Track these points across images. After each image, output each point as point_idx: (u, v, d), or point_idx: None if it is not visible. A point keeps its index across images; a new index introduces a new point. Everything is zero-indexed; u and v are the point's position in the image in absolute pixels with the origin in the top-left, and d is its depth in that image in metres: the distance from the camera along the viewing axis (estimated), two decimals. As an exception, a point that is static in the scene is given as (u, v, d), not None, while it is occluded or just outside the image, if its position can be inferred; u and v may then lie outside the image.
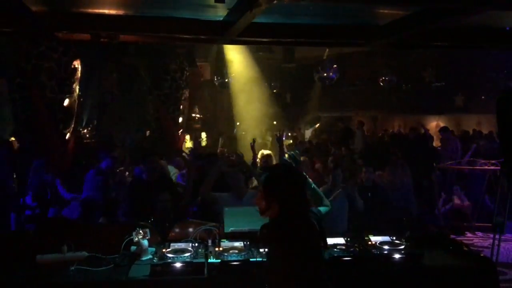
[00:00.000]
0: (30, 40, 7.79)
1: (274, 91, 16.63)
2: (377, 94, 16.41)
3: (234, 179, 5.13)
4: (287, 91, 18.04)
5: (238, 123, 18.59)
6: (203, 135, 15.18)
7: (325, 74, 10.46)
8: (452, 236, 5.50)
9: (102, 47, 9.25)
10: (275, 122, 19.27)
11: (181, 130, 13.72)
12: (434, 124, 16.76)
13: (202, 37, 4.95)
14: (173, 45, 11.89)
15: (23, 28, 4.51)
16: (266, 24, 4.68)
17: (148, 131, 14.91)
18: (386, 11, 4.52)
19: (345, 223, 5.30)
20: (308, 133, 18.22)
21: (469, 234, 6.83)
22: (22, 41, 7.90)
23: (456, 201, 6.92)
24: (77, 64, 8.92)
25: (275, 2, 3.37)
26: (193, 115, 18.35)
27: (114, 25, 4.61)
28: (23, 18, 4.04)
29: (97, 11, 4.54)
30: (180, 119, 13.54)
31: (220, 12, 4.46)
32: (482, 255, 4.25)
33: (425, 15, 4.42)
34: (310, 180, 3.27)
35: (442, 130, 11.36)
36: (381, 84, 13.34)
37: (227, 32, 4.61)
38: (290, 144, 13.30)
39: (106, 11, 4.58)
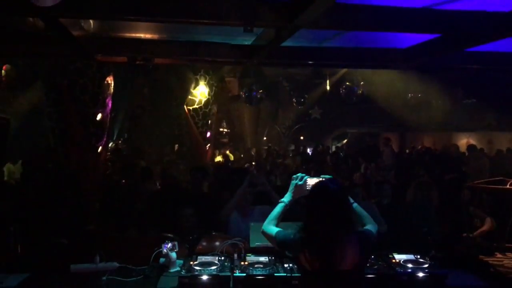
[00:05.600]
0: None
1: (300, 107, 16.67)
2: (406, 111, 16.27)
3: (244, 199, 5.17)
4: (315, 107, 18.09)
5: (265, 138, 18.77)
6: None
7: (352, 90, 10.48)
8: (480, 256, 5.42)
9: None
10: (302, 138, 19.36)
11: (209, 145, 13.95)
12: (464, 141, 16.49)
13: (232, 60, 5.12)
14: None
15: (63, 52, 4.79)
16: (292, 47, 4.82)
17: (177, 145, 15.18)
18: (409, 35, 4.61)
19: None
20: (334, 147, 18.17)
21: (499, 255, 6.65)
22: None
23: (487, 221, 6.80)
24: (110, 80, 9.24)
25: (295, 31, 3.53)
26: (221, 129, 18.61)
27: (149, 48, 4.83)
28: (64, 42, 4.28)
29: (133, 35, 4.78)
30: (208, 134, 13.77)
31: (248, 38, 4.64)
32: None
33: (448, 40, 4.47)
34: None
35: (470, 148, 11.23)
36: (410, 100, 13.26)
37: (255, 55, 4.78)
38: None
39: (142, 35, 4.81)
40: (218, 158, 14.12)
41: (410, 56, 5.05)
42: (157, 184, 8.29)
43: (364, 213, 3.07)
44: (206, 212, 5.01)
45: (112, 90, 9.43)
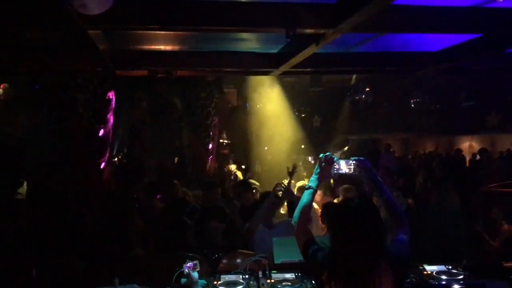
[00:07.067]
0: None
1: (303, 115, 16.61)
2: (407, 116, 16.21)
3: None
4: (315, 115, 18.02)
5: (266, 148, 18.62)
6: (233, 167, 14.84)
7: (357, 97, 10.40)
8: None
9: (131, 76, 9.42)
10: (303, 146, 19.23)
11: (211, 156, 13.84)
12: (467, 144, 16.42)
13: (258, 70, 4.99)
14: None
15: (80, 67, 4.70)
16: (319, 54, 4.68)
17: (177, 158, 15.03)
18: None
19: None
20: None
21: (517, 261, 6.49)
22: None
23: (505, 226, 6.69)
24: (111, 95, 9.13)
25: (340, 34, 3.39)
26: (221, 140, 18.47)
27: (170, 61, 4.70)
28: (83, 57, 4.16)
29: (153, 47, 4.64)
30: (210, 145, 13.67)
31: (275, 45, 4.53)
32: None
33: (486, 41, 4.36)
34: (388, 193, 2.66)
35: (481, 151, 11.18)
36: (412, 105, 13.20)
37: (283, 64, 4.66)
38: None
39: (162, 48, 4.67)
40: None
41: (441, 60, 4.95)
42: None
43: (397, 209, 2.62)
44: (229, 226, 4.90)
45: (113, 105, 9.33)
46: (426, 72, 5.58)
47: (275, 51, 4.73)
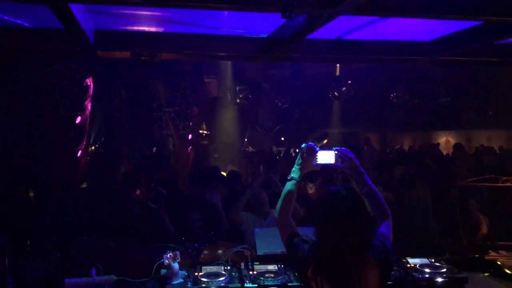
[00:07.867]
0: (44, 58, 7.83)
1: (285, 105, 16.59)
2: (386, 110, 16.35)
3: (257, 198, 5.06)
4: (296, 107, 18.01)
5: (246, 140, 18.57)
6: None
7: (339, 91, 10.42)
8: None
9: (110, 64, 9.21)
10: (282, 138, 19.25)
11: (190, 147, 13.74)
12: (443, 140, 16.70)
13: (247, 55, 4.84)
14: (182, 61, 11.87)
15: (60, 48, 4.52)
16: (311, 40, 4.52)
17: (155, 148, 14.85)
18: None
19: None
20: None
21: (492, 253, 6.61)
22: (35, 59, 7.92)
23: (483, 222, 6.80)
24: (89, 81, 8.95)
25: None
26: (201, 131, 18.33)
27: (154, 43, 4.52)
28: (71, 36, 3.93)
29: (136, 28, 4.46)
30: (190, 136, 13.57)
31: (265, 28, 4.38)
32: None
33: (482, 31, 4.29)
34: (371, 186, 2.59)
35: (456, 147, 11.32)
36: (394, 100, 13.29)
37: (273, 49, 4.51)
38: None
39: (146, 29, 4.49)
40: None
41: (436, 49, 4.87)
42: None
43: (380, 201, 2.55)
44: (213, 219, 4.83)
45: (91, 93, 9.16)
46: (420, 62, 5.48)
47: (265, 35, 4.58)
